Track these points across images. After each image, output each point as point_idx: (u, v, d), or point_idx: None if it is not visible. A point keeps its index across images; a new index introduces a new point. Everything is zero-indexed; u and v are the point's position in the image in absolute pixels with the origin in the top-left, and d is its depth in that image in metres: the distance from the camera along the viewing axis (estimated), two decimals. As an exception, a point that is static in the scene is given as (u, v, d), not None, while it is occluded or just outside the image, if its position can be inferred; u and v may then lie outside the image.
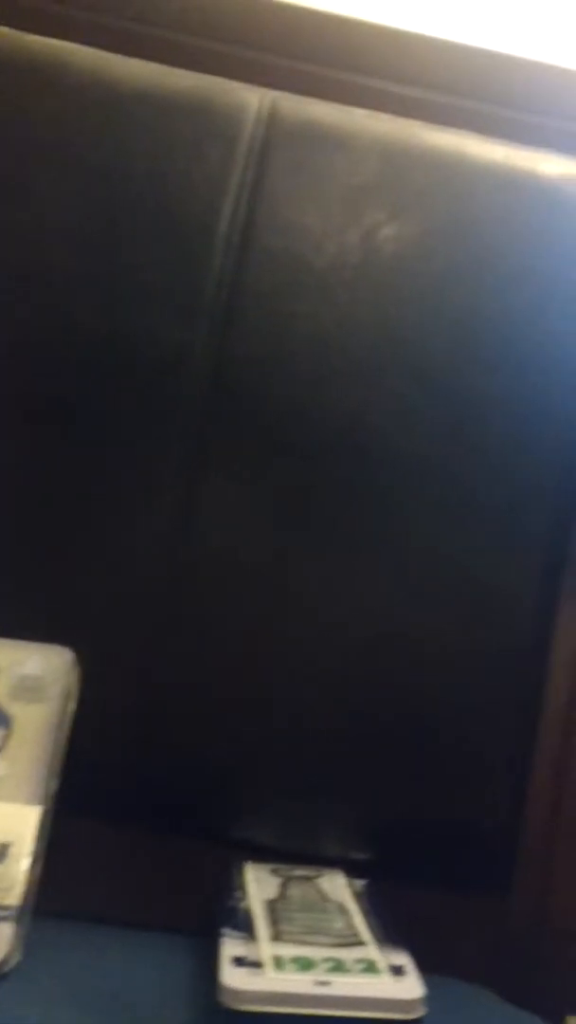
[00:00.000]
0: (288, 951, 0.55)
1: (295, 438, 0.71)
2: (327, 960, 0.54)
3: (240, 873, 0.66)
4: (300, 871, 0.67)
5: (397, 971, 0.54)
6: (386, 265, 0.73)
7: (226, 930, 0.57)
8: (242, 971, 0.52)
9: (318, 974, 0.53)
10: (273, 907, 0.61)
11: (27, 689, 0.62)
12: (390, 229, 0.73)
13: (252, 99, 0.74)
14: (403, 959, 0.56)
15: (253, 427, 0.71)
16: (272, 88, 0.75)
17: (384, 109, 0.75)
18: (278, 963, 0.53)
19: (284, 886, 0.65)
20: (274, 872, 0.67)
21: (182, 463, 0.71)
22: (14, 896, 0.53)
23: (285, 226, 0.73)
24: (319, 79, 0.75)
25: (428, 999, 0.53)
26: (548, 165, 0.76)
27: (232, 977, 0.52)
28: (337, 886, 0.66)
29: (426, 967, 0.61)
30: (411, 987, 0.53)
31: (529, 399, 0.73)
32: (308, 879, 0.66)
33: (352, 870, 0.68)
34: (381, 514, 0.72)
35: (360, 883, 0.66)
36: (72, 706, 0.63)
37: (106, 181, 0.72)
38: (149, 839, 0.69)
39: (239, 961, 0.54)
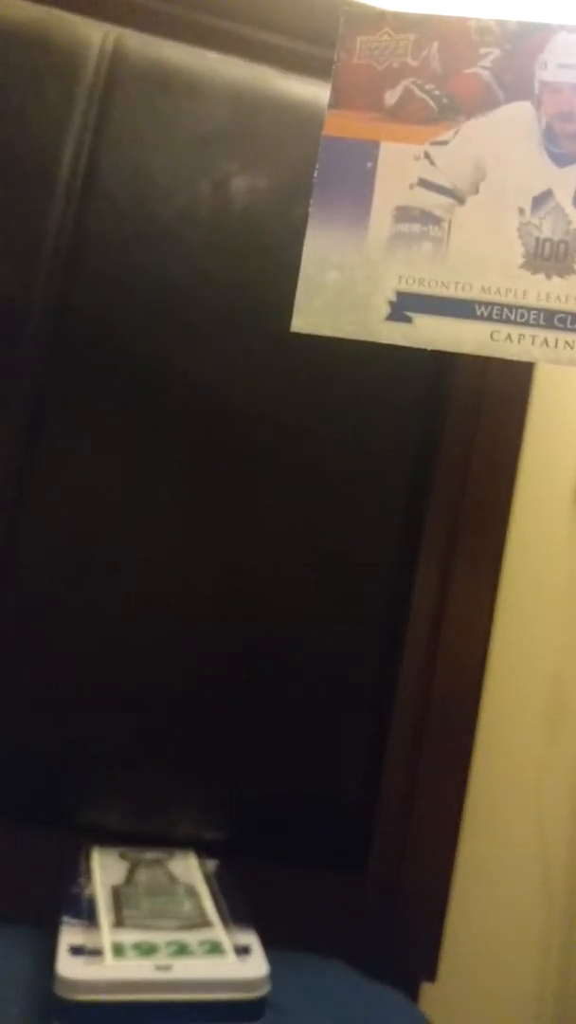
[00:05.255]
0: (130, 937, 0.53)
1: (140, 397, 0.68)
2: (170, 944, 0.52)
3: (86, 859, 0.63)
4: (150, 854, 0.65)
5: (243, 951, 0.52)
6: (239, 217, 0.70)
7: (66, 918, 0.55)
8: (79, 960, 0.50)
9: (160, 959, 0.51)
10: (119, 893, 0.58)
11: None
12: (243, 180, 0.70)
13: (95, 35, 0.69)
14: (250, 938, 0.54)
15: (95, 384, 0.67)
16: (116, 24, 0.70)
17: (236, 54, 0.72)
18: (118, 950, 0.51)
19: (132, 870, 0.62)
20: (122, 856, 0.64)
21: (19, 422, 0.66)
22: None
23: (131, 173, 0.68)
24: (167, 17, 0.71)
25: (282, 975, 0.52)
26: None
27: (68, 967, 0.49)
28: (188, 868, 0.63)
29: (284, 943, 0.59)
30: (255, 966, 0.51)
31: (388, 361, 0.72)
32: (158, 862, 0.64)
33: (207, 850, 0.66)
34: (230, 476, 0.69)
35: (212, 863, 0.64)
36: None
37: None
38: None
39: (77, 950, 0.51)
